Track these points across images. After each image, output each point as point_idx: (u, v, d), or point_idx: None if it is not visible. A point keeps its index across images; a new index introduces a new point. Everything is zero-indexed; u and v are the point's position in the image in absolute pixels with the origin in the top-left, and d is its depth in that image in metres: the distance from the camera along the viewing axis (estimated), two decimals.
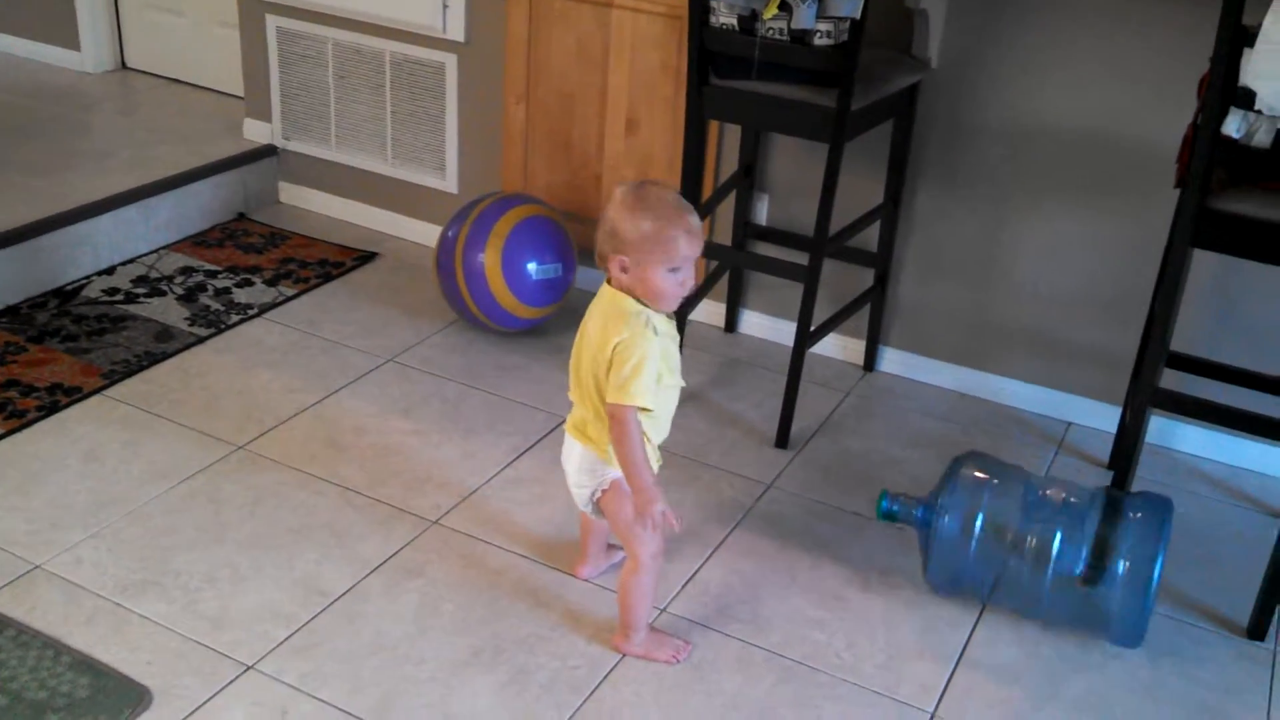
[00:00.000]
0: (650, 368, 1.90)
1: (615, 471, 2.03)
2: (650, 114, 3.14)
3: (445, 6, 3.32)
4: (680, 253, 1.88)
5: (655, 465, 2.04)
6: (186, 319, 3.13)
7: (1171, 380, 2.61)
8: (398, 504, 2.49)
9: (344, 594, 2.23)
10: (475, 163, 3.48)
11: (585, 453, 2.05)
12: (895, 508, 2.26)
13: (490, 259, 2.96)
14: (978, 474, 2.24)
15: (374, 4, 3.41)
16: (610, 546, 2.33)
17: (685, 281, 1.91)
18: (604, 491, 2.06)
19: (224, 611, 2.17)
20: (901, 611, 2.29)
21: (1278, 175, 2.06)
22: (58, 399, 2.75)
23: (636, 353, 1.90)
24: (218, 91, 4.24)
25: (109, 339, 3.01)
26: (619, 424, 1.93)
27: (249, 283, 3.33)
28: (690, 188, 2.68)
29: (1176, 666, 2.20)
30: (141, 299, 3.21)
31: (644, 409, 1.93)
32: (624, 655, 2.14)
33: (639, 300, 1.93)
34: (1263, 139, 2.02)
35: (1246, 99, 1.96)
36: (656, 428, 2.03)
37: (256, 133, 3.83)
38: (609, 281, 1.97)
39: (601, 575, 2.31)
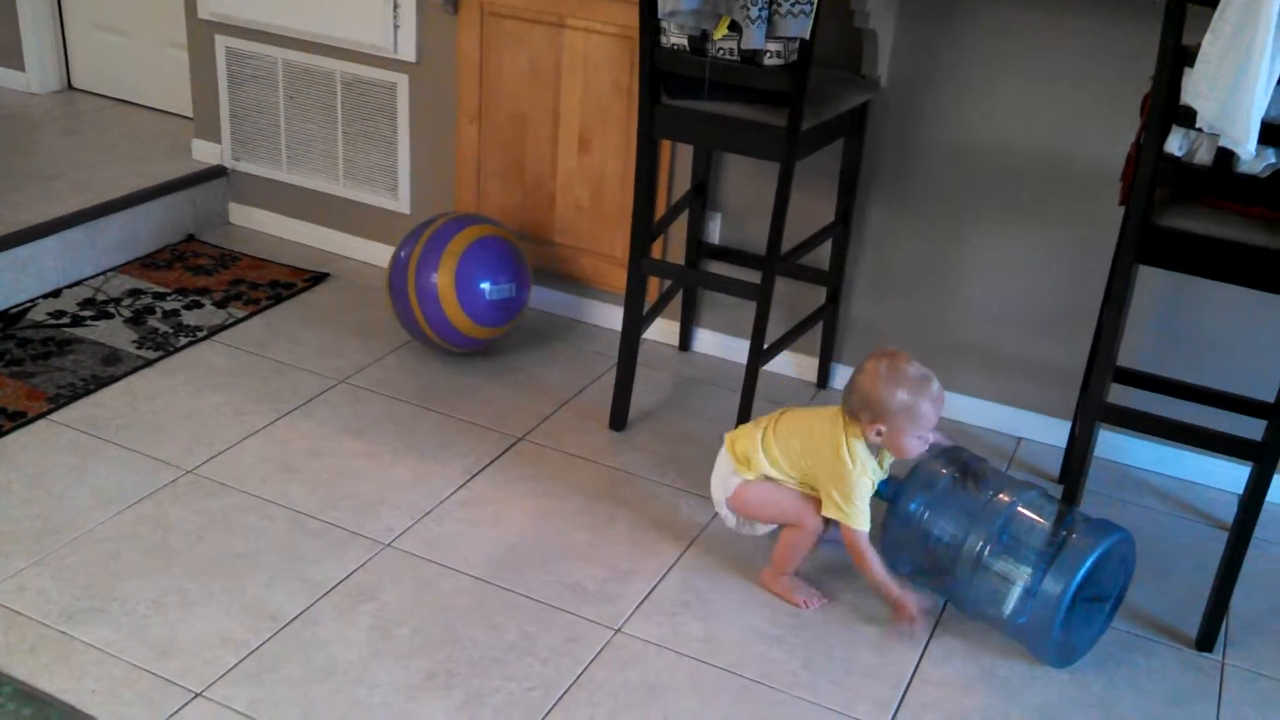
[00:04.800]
0: (862, 493, 2.23)
1: (738, 479, 2.33)
2: (603, 134, 3.15)
3: (396, 27, 3.31)
4: (930, 421, 2.20)
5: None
6: (134, 342, 3.09)
7: (1120, 395, 2.64)
8: (350, 527, 2.46)
9: (295, 618, 2.21)
10: (428, 183, 3.47)
11: (726, 460, 2.37)
12: (881, 486, 2.33)
13: (443, 279, 2.95)
14: (941, 469, 2.30)
15: (324, 24, 3.40)
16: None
17: (928, 439, 2.23)
18: (729, 497, 2.36)
19: (172, 638, 2.14)
20: (856, 628, 2.29)
21: (1219, 192, 2.09)
22: (1, 424, 2.70)
23: (853, 484, 2.22)
24: (166, 112, 4.20)
25: (55, 363, 2.96)
26: (853, 552, 2.27)
27: (198, 305, 3.30)
28: (643, 207, 2.69)
29: (1128, 679, 2.22)
30: (88, 322, 3.17)
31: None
32: (765, 589, 2.36)
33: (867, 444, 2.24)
34: (1204, 156, 2.06)
35: (1188, 117, 1.99)
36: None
37: (206, 153, 3.80)
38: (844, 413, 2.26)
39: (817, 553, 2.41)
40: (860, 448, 2.23)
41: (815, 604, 2.34)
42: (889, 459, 2.29)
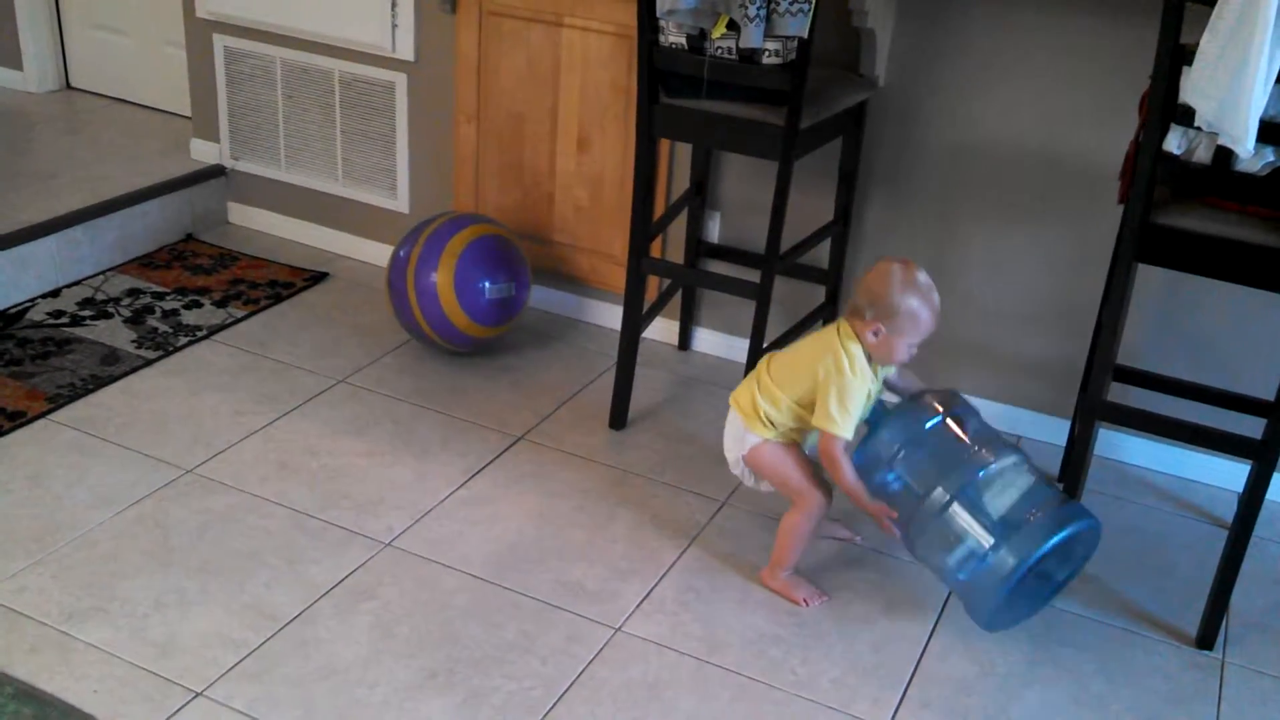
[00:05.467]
0: (854, 400, 2.20)
1: (755, 437, 2.30)
2: (601, 133, 3.15)
3: (395, 25, 3.31)
4: (926, 331, 2.21)
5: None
6: (134, 341, 3.09)
7: (1119, 393, 2.64)
8: (350, 526, 2.46)
9: (295, 618, 2.21)
10: (427, 182, 3.47)
11: (735, 418, 2.34)
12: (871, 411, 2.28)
13: (443, 278, 2.95)
14: (932, 408, 2.24)
15: (322, 23, 3.40)
16: (832, 520, 2.51)
17: (914, 351, 2.23)
18: (744, 456, 2.33)
19: (172, 637, 2.14)
20: (856, 627, 2.29)
21: (1218, 190, 2.09)
22: (1, 424, 2.70)
23: (844, 386, 2.20)
24: (164, 111, 4.20)
25: (54, 362, 2.96)
26: (826, 458, 2.24)
27: (197, 304, 3.30)
28: (641, 206, 2.69)
29: (1128, 677, 2.22)
30: (87, 321, 3.16)
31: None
32: (765, 587, 2.37)
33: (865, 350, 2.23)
34: (1203, 155, 2.06)
35: (1186, 116, 2.00)
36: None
37: (204, 153, 3.80)
38: (843, 321, 2.25)
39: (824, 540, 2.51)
40: (859, 355, 2.21)
41: (816, 601, 2.34)
42: (884, 373, 2.28)
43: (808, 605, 2.33)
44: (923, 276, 2.22)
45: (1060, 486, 2.33)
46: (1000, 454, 2.22)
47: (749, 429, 2.31)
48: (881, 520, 2.24)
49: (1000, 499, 2.17)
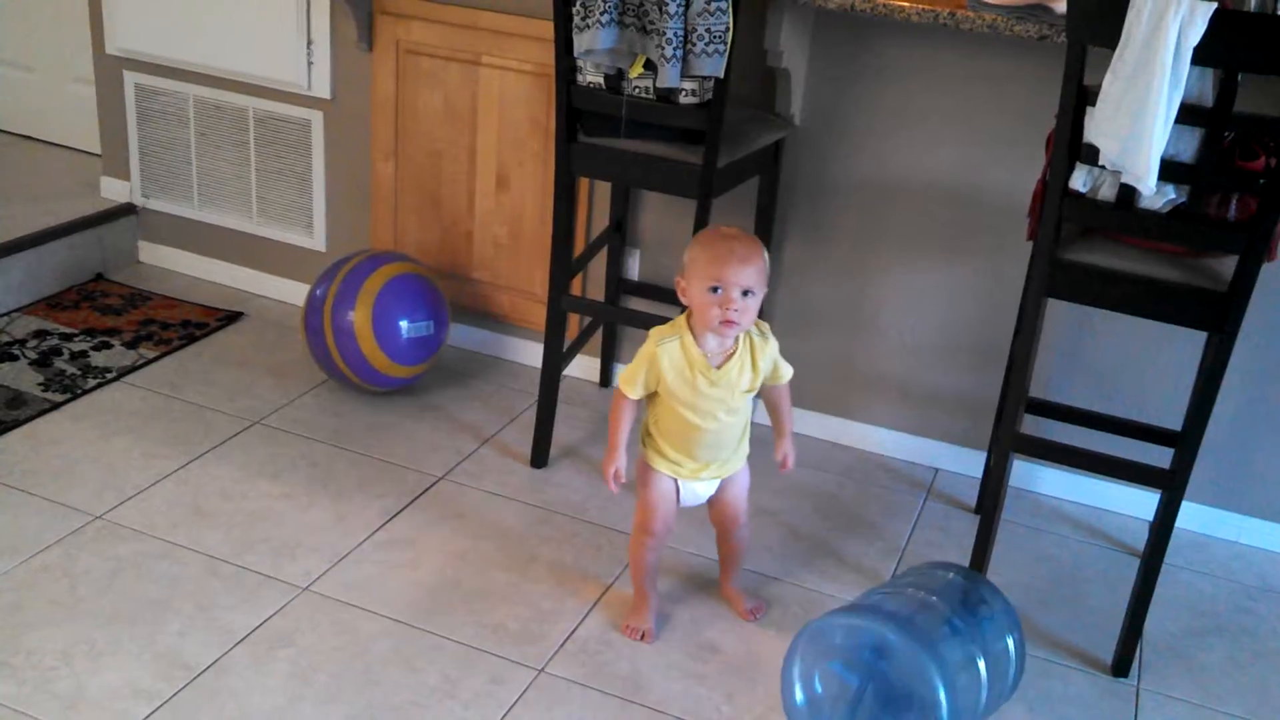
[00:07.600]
0: (637, 365, 2.19)
1: (648, 454, 2.29)
2: (520, 171, 3.15)
3: (310, 63, 3.29)
4: (716, 273, 2.08)
5: (686, 474, 2.28)
6: (40, 384, 3.01)
7: (1032, 425, 2.69)
8: (266, 571, 2.41)
9: (209, 667, 2.15)
10: (344, 221, 3.44)
11: None
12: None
13: (360, 317, 2.91)
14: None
15: (236, 61, 3.36)
16: (739, 592, 2.45)
17: (727, 305, 2.09)
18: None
19: (80, 690, 2.07)
20: (776, 660, 2.28)
21: (1123, 227, 2.15)
22: None
23: (638, 353, 2.21)
24: (72, 149, 4.11)
25: None
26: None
27: (107, 345, 3.22)
28: (561, 244, 2.69)
29: (1047, 706, 2.25)
30: None
31: (628, 391, 2.21)
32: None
33: (689, 324, 2.18)
34: (1107, 193, 2.11)
35: (1091, 155, 2.05)
36: (671, 441, 2.25)
37: (114, 191, 3.72)
38: None
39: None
40: (662, 331, 2.21)
41: (631, 635, 2.33)
42: (761, 371, 2.21)
43: (623, 632, 2.33)
44: (722, 228, 2.17)
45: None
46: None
47: (641, 442, 2.32)
48: (608, 478, 2.23)
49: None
